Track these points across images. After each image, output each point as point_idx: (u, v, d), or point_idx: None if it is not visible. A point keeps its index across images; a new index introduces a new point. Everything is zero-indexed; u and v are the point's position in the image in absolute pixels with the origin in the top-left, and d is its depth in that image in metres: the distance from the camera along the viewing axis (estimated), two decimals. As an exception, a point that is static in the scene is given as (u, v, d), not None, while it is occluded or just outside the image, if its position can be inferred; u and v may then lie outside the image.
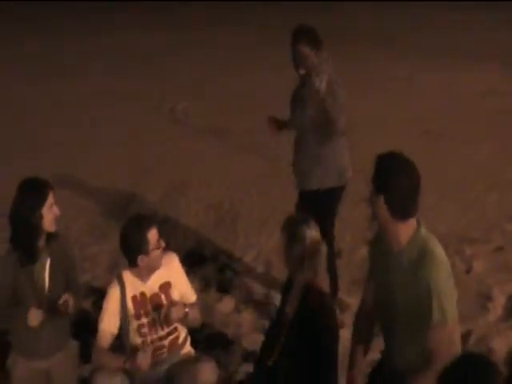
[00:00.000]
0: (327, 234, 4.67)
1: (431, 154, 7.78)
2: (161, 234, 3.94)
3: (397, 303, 3.25)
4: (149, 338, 4.01)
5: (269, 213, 6.76)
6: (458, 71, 11.28)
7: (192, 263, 5.76)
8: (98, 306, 4.38)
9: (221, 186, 7.47)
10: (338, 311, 4.33)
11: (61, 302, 3.80)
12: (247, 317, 5.35)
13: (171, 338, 4.08)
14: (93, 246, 6.34)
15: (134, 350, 3.95)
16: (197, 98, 10.37)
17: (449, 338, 3.18)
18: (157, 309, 3.99)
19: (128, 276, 4.00)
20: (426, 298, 3.11)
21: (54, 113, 9.95)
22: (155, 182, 7.63)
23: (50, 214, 3.81)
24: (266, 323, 5.06)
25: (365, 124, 8.36)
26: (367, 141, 7.47)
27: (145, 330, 4.00)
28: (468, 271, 5.84)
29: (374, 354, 3.77)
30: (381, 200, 3.17)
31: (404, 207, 3.18)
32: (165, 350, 4.07)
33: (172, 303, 3.98)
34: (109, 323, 3.98)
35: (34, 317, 3.76)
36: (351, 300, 5.18)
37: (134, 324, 4.00)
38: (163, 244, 3.95)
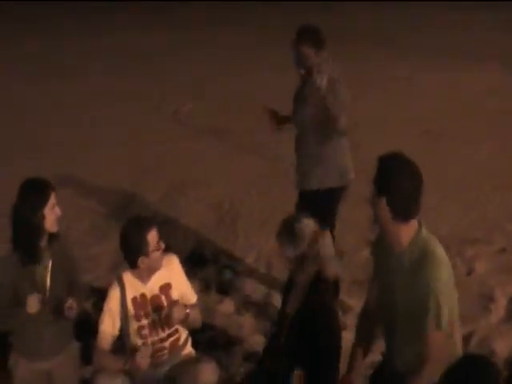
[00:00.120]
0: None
1: (431, 154, 7.77)
2: (161, 235, 3.93)
3: (397, 304, 3.25)
4: (149, 340, 4.00)
5: (269, 213, 6.74)
6: (458, 71, 11.28)
7: (192, 265, 5.75)
8: (99, 307, 4.36)
9: (221, 186, 7.46)
10: (340, 313, 4.31)
11: (67, 305, 3.79)
12: (248, 318, 5.33)
13: (172, 339, 4.06)
14: (94, 246, 6.32)
15: (134, 351, 3.93)
16: (197, 98, 10.37)
17: (443, 341, 3.17)
18: (157, 310, 3.98)
19: (128, 277, 3.99)
20: (425, 299, 3.10)
21: (54, 113, 9.95)
22: (155, 182, 7.62)
23: (52, 215, 3.80)
24: (267, 324, 5.06)
25: (365, 124, 8.33)
26: (367, 141, 7.48)
27: (145, 331, 3.99)
28: (470, 272, 5.82)
29: (375, 356, 3.76)
30: (383, 202, 3.15)
31: (406, 209, 3.16)
32: (165, 351, 4.06)
33: (173, 303, 3.97)
34: (109, 325, 3.98)
35: (33, 303, 3.74)
36: (352, 301, 5.17)
37: (135, 325, 3.99)
38: (163, 245, 3.94)
